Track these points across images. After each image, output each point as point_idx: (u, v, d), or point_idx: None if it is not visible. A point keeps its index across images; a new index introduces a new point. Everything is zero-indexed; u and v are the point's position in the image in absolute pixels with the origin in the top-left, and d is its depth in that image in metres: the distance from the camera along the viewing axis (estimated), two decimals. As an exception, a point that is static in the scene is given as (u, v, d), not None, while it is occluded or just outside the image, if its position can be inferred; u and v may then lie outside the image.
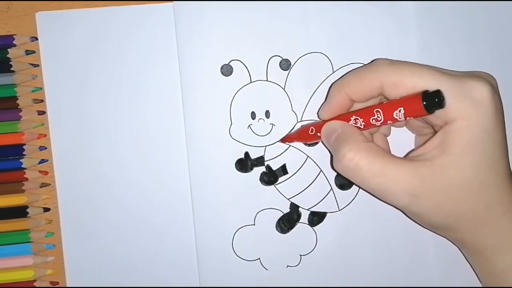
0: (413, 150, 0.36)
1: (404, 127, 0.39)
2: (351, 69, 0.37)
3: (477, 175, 0.31)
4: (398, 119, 0.32)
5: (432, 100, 0.30)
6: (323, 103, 0.37)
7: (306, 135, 0.37)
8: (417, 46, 0.39)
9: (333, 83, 0.37)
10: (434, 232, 0.36)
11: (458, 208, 0.32)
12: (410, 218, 0.36)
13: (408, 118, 0.32)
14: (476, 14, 0.39)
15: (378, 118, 0.33)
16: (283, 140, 0.39)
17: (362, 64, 0.39)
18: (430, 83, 0.31)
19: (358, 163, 0.32)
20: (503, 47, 0.40)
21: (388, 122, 0.33)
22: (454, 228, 0.33)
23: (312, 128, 0.37)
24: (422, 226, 0.36)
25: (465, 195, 0.32)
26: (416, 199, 0.32)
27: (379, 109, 0.33)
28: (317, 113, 0.39)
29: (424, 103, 0.30)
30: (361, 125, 0.34)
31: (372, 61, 0.35)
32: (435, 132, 0.35)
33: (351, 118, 0.34)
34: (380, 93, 0.34)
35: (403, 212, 0.35)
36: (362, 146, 0.32)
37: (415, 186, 0.32)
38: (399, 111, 0.32)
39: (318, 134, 0.36)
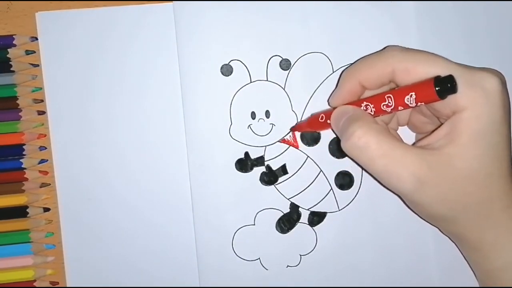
0: (419, 140, 0.35)
1: (406, 126, 0.39)
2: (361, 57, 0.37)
3: (483, 166, 0.31)
4: (410, 105, 0.31)
5: (445, 85, 0.30)
6: (334, 90, 0.37)
7: (316, 122, 0.37)
8: (417, 46, 0.39)
9: (344, 69, 0.36)
10: (432, 225, 0.36)
11: (462, 199, 0.32)
12: (410, 209, 0.35)
13: (419, 103, 0.31)
14: (476, 14, 0.39)
15: (389, 104, 0.32)
16: (294, 129, 0.39)
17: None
18: (442, 71, 0.31)
19: (366, 142, 0.31)
20: (503, 47, 0.40)
21: (399, 108, 0.32)
22: (456, 221, 0.33)
23: (322, 116, 0.36)
24: (422, 218, 0.35)
25: (470, 187, 0.32)
26: (422, 186, 0.31)
27: (390, 95, 0.32)
28: (327, 101, 0.38)
29: (437, 88, 0.30)
30: (371, 111, 0.33)
31: (384, 48, 0.35)
32: (439, 127, 0.34)
33: (361, 104, 0.34)
34: (391, 80, 0.34)
35: (403, 202, 0.35)
36: (372, 126, 0.32)
37: (422, 172, 0.31)
38: (411, 96, 0.31)
39: (328, 121, 0.35)
